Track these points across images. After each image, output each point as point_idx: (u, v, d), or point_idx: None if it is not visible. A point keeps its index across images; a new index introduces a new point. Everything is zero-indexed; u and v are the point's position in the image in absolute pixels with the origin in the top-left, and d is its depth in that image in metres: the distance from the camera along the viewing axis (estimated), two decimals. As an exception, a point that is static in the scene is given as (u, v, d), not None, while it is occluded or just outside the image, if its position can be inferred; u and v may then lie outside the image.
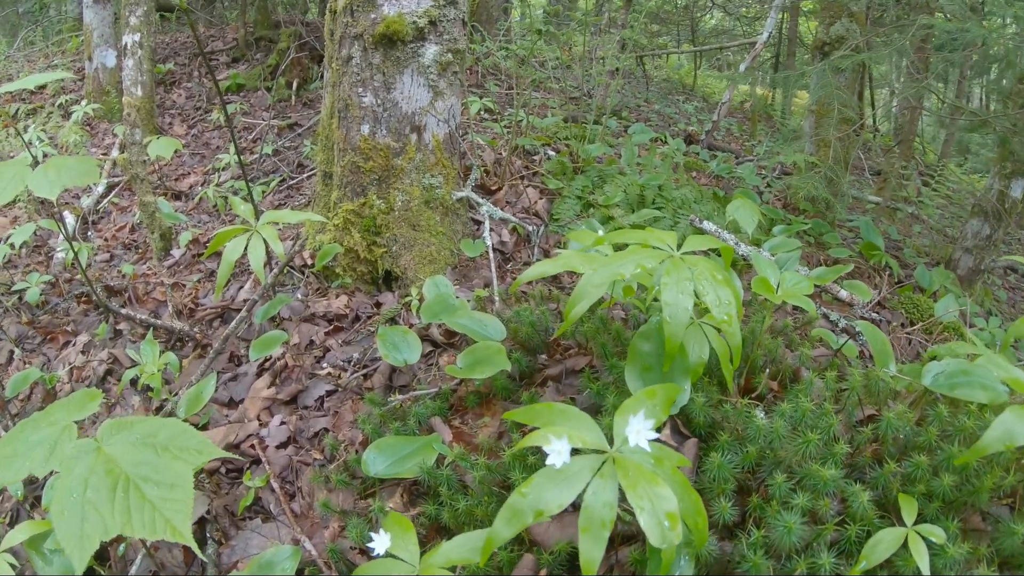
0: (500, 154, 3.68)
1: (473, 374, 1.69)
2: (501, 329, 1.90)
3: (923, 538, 1.05)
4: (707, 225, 2.86)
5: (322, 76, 6.18)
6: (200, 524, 1.83)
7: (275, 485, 1.91)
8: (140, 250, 4.04)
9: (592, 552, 0.85)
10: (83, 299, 3.46)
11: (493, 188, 3.40)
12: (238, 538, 1.78)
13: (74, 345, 3.12)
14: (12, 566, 1.50)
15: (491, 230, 2.86)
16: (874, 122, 9.55)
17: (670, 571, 1.02)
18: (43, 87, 6.70)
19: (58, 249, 4.01)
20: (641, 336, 1.36)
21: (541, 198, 3.35)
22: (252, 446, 2.11)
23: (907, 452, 1.31)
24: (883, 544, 1.05)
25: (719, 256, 2.38)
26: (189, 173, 5.16)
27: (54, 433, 1.20)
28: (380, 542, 1.19)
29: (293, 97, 6.06)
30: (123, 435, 1.17)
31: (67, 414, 1.27)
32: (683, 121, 7.21)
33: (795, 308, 2.63)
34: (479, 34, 7.06)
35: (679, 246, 1.30)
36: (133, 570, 1.64)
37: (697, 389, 1.39)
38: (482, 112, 4.90)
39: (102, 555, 1.76)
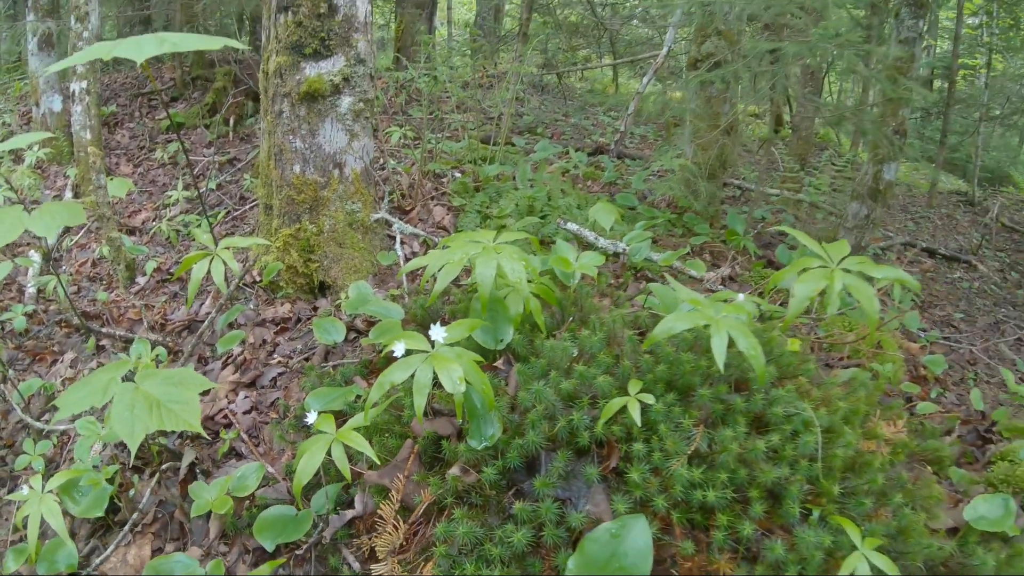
0: (414, 178, 4.54)
1: (379, 340, 2.55)
2: (400, 312, 2.75)
3: (641, 403, 1.91)
4: (571, 226, 3.75)
5: (257, 112, 6.99)
6: (191, 467, 2.66)
7: (244, 437, 2.75)
8: (105, 281, 4.83)
9: (419, 401, 1.70)
10: (63, 324, 4.24)
11: (408, 208, 4.27)
12: (219, 472, 2.61)
13: (62, 362, 3.91)
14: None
15: (403, 243, 3.72)
16: (777, 124, 10.63)
17: (482, 432, 1.88)
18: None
19: (29, 284, 4.78)
20: (475, 299, 2.23)
21: (448, 214, 4.22)
22: (224, 415, 2.94)
23: (638, 354, 2.16)
24: (615, 405, 1.90)
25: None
26: (140, 210, 5.94)
27: (105, 381, 2.02)
28: (312, 418, 2.02)
29: (231, 133, 6.88)
30: (151, 378, 2.00)
31: (109, 373, 2.09)
32: (597, 132, 8.14)
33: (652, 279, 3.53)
34: (403, 62, 7.92)
35: (496, 240, 2.17)
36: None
37: (520, 332, 2.26)
38: (403, 139, 5.77)
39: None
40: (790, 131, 9.96)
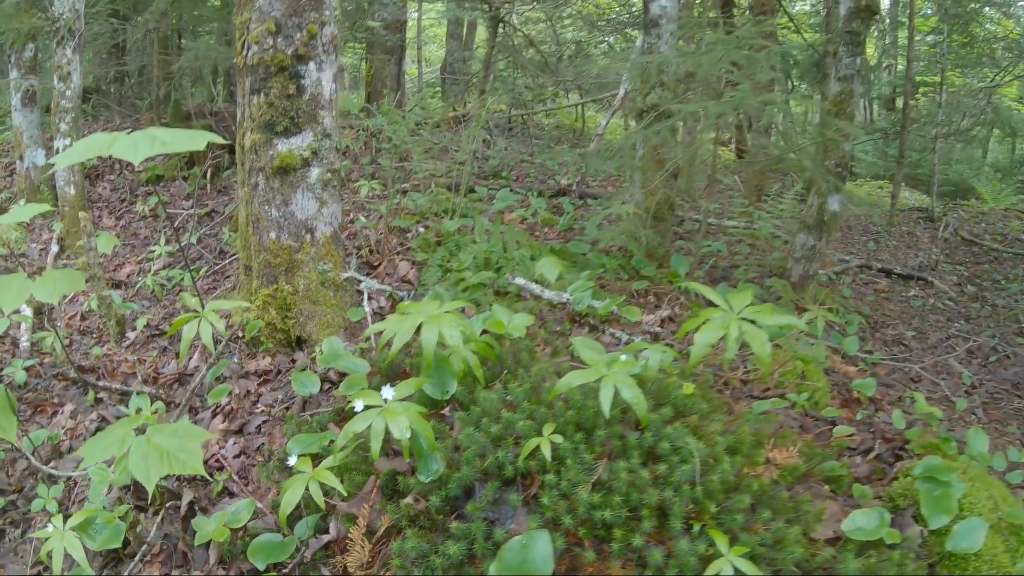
0: (381, 234, 5.11)
1: (347, 392, 3.10)
2: (367, 366, 3.30)
3: (552, 442, 2.45)
4: (518, 280, 4.31)
5: (234, 164, 7.55)
6: (190, 506, 3.18)
7: (235, 478, 3.28)
8: (96, 335, 5.35)
9: (375, 446, 2.24)
10: (60, 377, 4.76)
11: (376, 263, 4.83)
12: (215, 509, 3.14)
13: (62, 413, 4.42)
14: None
15: (371, 299, 4.28)
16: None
17: (428, 468, 2.43)
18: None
19: (23, 338, 5.29)
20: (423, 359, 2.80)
21: (412, 268, 4.78)
22: (217, 460, 3.47)
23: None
24: (532, 443, 2.43)
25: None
26: (124, 263, 6.48)
27: (121, 435, 2.55)
28: (293, 460, 2.55)
29: (208, 185, 7.43)
30: (160, 432, 2.53)
31: (124, 428, 2.61)
32: (562, 172, 8.74)
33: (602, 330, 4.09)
34: (374, 108, 8.52)
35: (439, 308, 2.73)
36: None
37: (463, 384, 2.81)
38: (371, 192, 6.33)
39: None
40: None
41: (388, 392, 2.31)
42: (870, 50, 17.60)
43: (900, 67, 17.58)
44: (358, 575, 2.36)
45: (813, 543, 2.46)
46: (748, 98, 4.66)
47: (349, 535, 2.47)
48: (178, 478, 3.36)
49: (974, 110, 14.70)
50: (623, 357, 2.53)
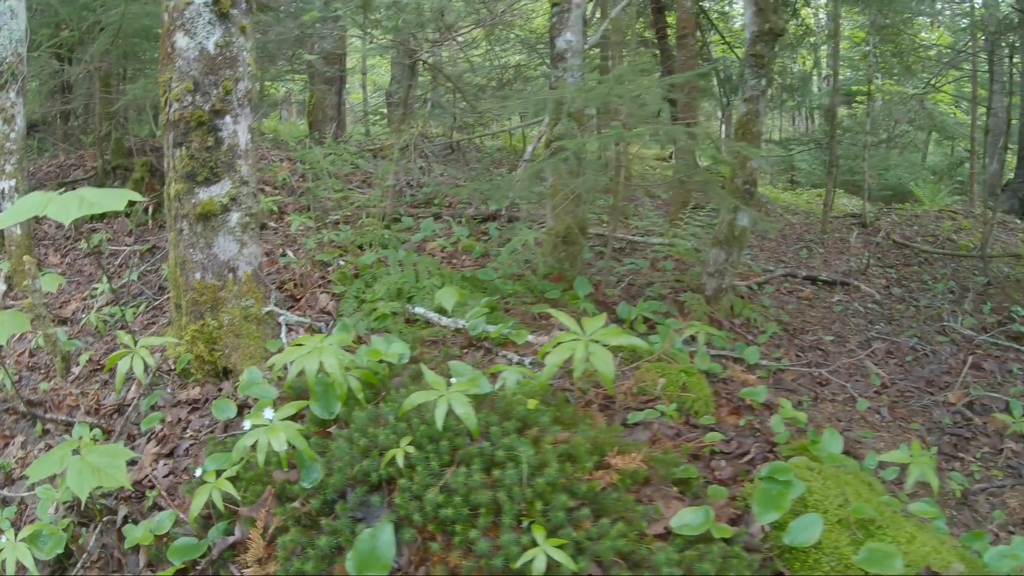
0: (305, 268, 5.76)
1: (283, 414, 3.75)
2: (275, 391, 3.95)
3: (407, 452, 3.11)
4: (418, 309, 4.97)
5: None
6: (124, 519, 3.81)
7: (164, 495, 3.91)
8: (43, 370, 5.96)
9: (260, 458, 2.89)
10: (11, 411, 5.36)
11: (299, 297, 5.48)
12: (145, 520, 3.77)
13: (14, 444, 5.03)
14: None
15: (291, 330, 4.93)
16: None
17: (310, 477, 3.08)
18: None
19: (-28, 376, 5.89)
20: (314, 383, 3.45)
21: (331, 300, 5.43)
22: (149, 480, 4.10)
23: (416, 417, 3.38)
24: (390, 454, 3.09)
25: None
26: (69, 300, 7.07)
27: (60, 456, 3.18)
28: (199, 472, 3.20)
29: (150, 221, 8.04)
30: (92, 452, 3.16)
31: (63, 450, 3.24)
32: (492, 197, 9.42)
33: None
34: (308, 142, 9.18)
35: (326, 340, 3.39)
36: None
37: (347, 405, 3.47)
38: (302, 226, 6.97)
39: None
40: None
41: (269, 413, 2.97)
42: (808, 62, 18.55)
43: (842, 76, 18.52)
44: (254, 568, 3.00)
45: (643, 538, 2.93)
46: (620, 133, 5.34)
47: (250, 536, 3.11)
48: (115, 496, 3.98)
49: (906, 116, 15.66)
50: (452, 381, 3.19)
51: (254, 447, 2.99)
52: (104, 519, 3.77)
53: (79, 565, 3.56)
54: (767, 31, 7.17)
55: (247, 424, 2.98)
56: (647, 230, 9.65)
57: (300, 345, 3.44)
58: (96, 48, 8.47)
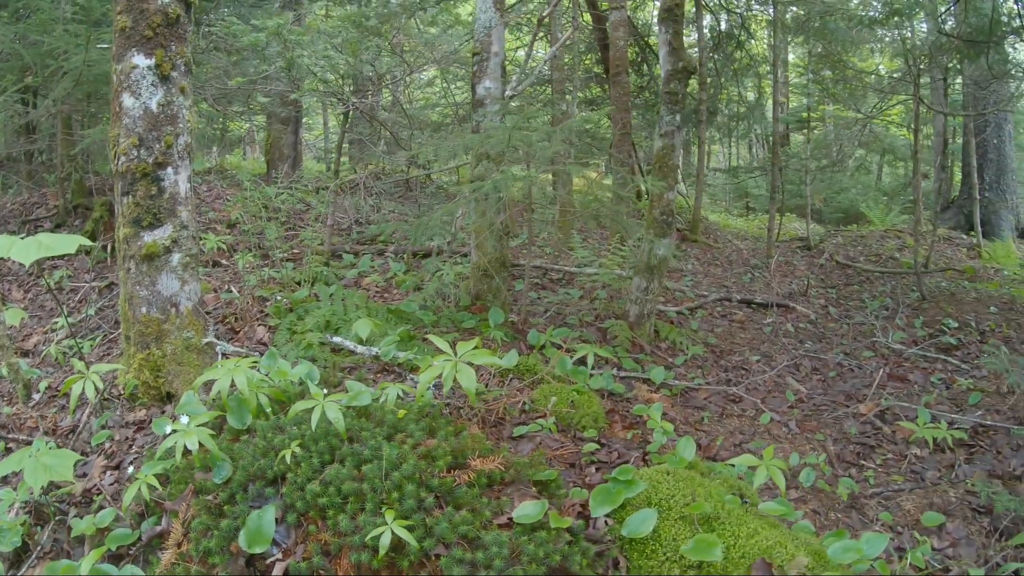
0: (246, 303, 6.69)
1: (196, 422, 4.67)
2: (206, 410, 4.87)
3: (293, 452, 4.02)
4: (335, 339, 5.90)
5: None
6: (74, 517, 4.71)
7: (109, 499, 4.82)
8: (6, 396, 6.86)
9: (178, 457, 3.82)
10: (-24, 433, 6.26)
11: (238, 329, 6.41)
12: (91, 520, 4.68)
13: (-21, 461, 5.92)
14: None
15: (228, 360, 5.84)
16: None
17: (220, 473, 4.00)
18: None
19: (-57, 403, 6.78)
20: (231, 401, 4.37)
21: (267, 332, 6.36)
22: (97, 489, 5.01)
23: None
24: (283, 453, 4.01)
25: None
26: (31, 333, 7.98)
27: (19, 457, 4.09)
28: (130, 470, 4.11)
29: (108, 259, 8.96)
30: (46, 454, 4.07)
31: (22, 454, 4.14)
32: (446, 231, 10.37)
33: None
34: (272, 176, 10.13)
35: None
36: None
37: (257, 417, 4.39)
38: (248, 264, 7.90)
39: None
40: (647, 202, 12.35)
41: (184, 420, 3.90)
42: (751, 92, 19.64)
43: (793, 104, 19.64)
44: (172, 550, 3.91)
45: (487, 526, 3.64)
46: (508, 179, 6.29)
47: (172, 525, 4.02)
48: (67, 501, 4.88)
49: (856, 140, 16.80)
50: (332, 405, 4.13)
51: (172, 449, 3.91)
52: (56, 519, 4.67)
53: (34, 556, 4.46)
54: (680, 69, 7.99)
55: (168, 428, 3.90)
56: (588, 260, 10.56)
57: (217, 367, 4.38)
58: (58, 92, 9.42)
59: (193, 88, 5.94)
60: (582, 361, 6.09)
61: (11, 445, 5.89)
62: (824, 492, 5.79)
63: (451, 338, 6.51)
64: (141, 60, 5.57)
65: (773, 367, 8.79)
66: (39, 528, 4.69)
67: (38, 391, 6.51)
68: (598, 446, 4.98)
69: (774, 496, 5.27)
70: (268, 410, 4.37)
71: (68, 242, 4.18)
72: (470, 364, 4.25)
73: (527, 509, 3.63)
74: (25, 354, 7.53)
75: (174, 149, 5.71)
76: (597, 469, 4.73)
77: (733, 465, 4.85)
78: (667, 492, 3.82)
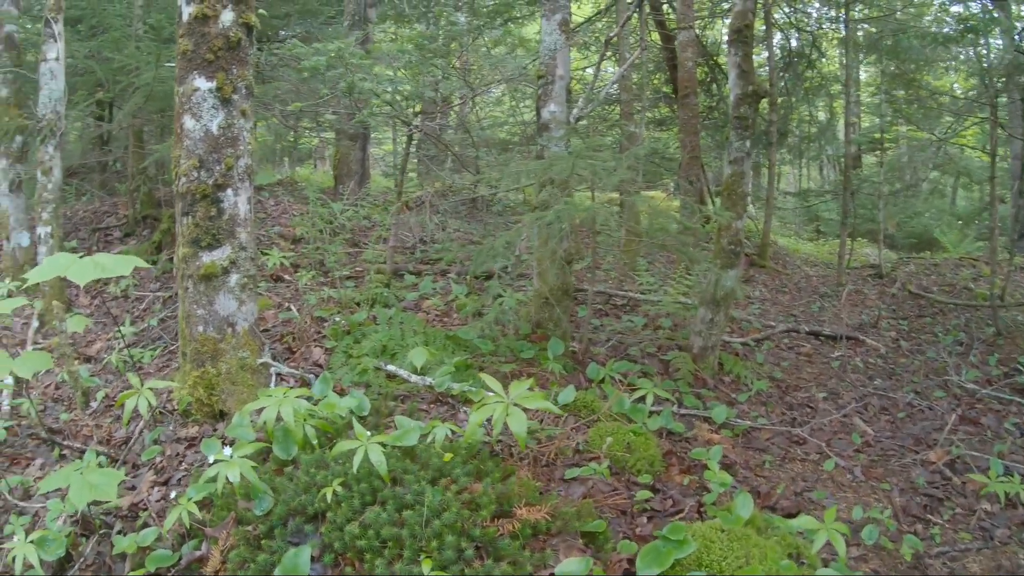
0: (304, 323, 6.75)
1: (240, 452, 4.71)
2: (253, 434, 4.90)
3: (335, 490, 4.03)
4: (389, 367, 5.92)
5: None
6: (118, 532, 4.77)
7: (154, 516, 4.88)
8: (66, 402, 7.00)
9: (219, 486, 3.85)
10: (33, 437, 6.39)
11: (295, 350, 6.46)
12: (135, 537, 4.74)
13: (34, 465, 6.04)
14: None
15: (283, 380, 5.89)
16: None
17: (261, 505, 4.02)
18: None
19: (4, 403, 6.95)
20: (277, 431, 4.39)
21: (324, 354, 6.40)
22: (143, 503, 5.07)
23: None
24: (324, 491, 4.02)
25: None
26: (95, 340, 8.14)
27: (67, 474, 4.15)
28: (173, 493, 4.15)
29: (175, 269, 9.11)
30: (92, 473, 4.13)
31: (70, 470, 4.21)
32: (509, 254, 10.37)
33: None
34: (339, 191, 10.22)
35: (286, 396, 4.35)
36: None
37: (303, 449, 4.41)
38: (310, 282, 7.97)
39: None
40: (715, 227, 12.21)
41: (228, 451, 3.93)
42: (822, 113, 19.36)
43: (865, 124, 19.28)
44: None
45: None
46: (571, 209, 6.25)
47: (212, 552, 4.05)
48: (114, 514, 4.95)
49: (930, 162, 16.35)
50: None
51: (215, 478, 3.94)
52: (101, 531, 4.74)
53: (76, 567, 4.53)
54: (750, 93, 7.71)
55: (211, 458, 3.93)
56: (653, 287, 10.38)
57: (267, 396, 4.41)
58: (129, 107, 9.65)
59: (262, 104, 6.01)
60: (642, 398, 5.97)
61: (65, 452, 6.00)
62: (887, 550, 5.56)
63: (508, 368, 6.47)
64: (202, 83, 5.67)
65: (840, 406, 8.31)
66: (84, 539, 4.76)
67: (96, 399, 6.63)
68: (652, 493, 4.84)
69: (835, 557, 5.11)
70: (314, 442, 4.38)
71: (124, 263, 4.28)
72: (522, 407, 4.20)
73: (571, 567, 3.58)
74: (87, 360, 7.69)
75: (234, 171, 5.79)
76: (649, 519, 4.61)
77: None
78: (720, 553, 3.74)
